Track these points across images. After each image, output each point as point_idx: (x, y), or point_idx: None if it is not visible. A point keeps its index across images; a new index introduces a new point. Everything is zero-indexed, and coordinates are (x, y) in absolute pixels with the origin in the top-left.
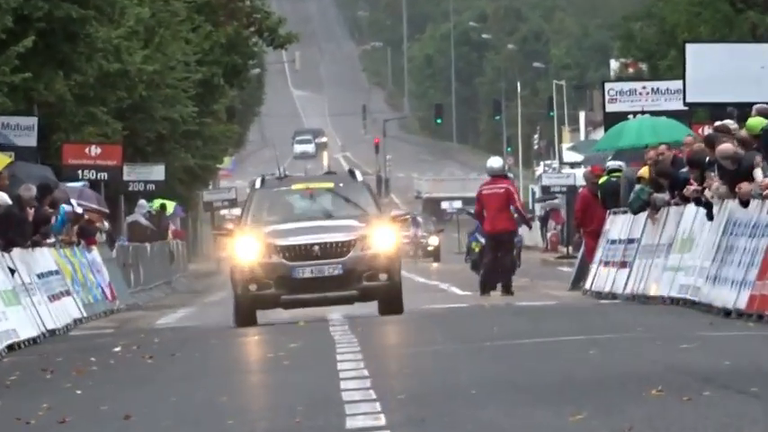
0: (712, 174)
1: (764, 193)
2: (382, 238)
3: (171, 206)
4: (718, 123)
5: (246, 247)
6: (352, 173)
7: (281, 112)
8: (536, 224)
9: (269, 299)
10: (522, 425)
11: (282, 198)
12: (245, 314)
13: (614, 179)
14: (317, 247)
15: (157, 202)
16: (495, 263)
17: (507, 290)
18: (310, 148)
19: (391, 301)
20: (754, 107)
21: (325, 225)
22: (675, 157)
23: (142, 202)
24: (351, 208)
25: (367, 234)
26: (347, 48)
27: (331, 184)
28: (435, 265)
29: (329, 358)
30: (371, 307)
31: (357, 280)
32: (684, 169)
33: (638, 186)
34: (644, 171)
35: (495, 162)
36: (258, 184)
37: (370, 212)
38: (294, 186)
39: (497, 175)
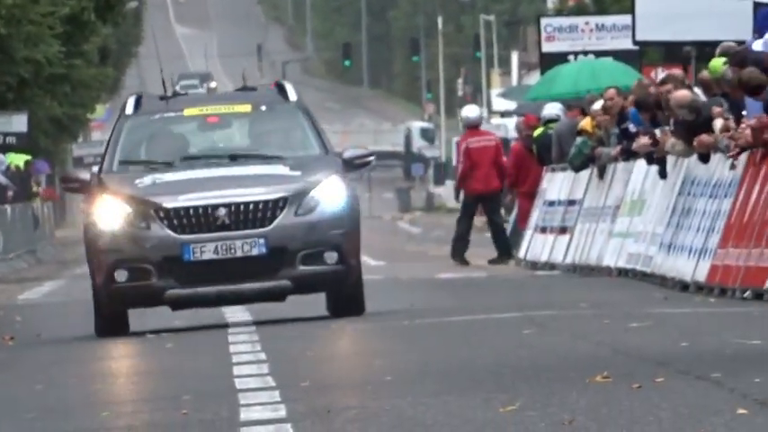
0: (666, 128)
1: (728, 144)
2: (331, 194)
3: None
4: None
5: (109, 211)
6: (281, 88)
7: (162, 52)
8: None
9: (147, 293)
10: (445, 417)
11: (169, 130)
12: (109, 317)
13: (551, 131)
14: (223, 211)
15: (19, 158)
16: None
17: (509, 254)
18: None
19: (347, 296)
20: (719, 46)
21: (238, 175)
22: (623, 108)
23: (0, 156)
24: (280, 146)
25: (306, 188)
26: None
27: (248, 108)
28: None
29: (220, 339)
30: (314, 303)
31: (290, 263)
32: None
33: (579, 139)
34: (585, 123)
35: (472, 111)
36: (130, 109)
37: (311, 153)
38: (188, 111)
39: (475, 126)
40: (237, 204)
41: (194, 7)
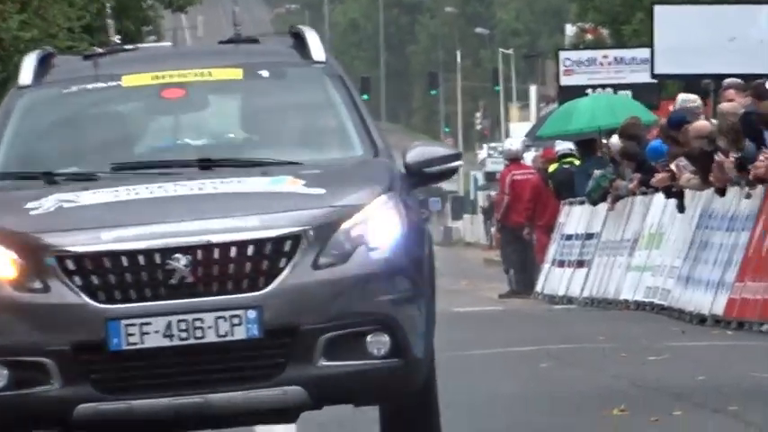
0: (681, 162)
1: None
2: (379, 229)
3: None
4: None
5: None
6: (298, 40)
7: None
8: (479, 217)
9: (43, 408)
10: None
11: (93, 114)
12: None
13: (566, 165)
14: (183, 260)
15: None
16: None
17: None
18: None
19: (408, 412)
20: (725, 81)
21: (212, 194)
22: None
23: None
24: (292, 143)
25: (334, 219)
26: (258, 11)
27: (237, 74)
28: None
29: None
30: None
31: (304, 355)
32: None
33: (597, 172)
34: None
35: (515, 143)
36: (28, 75)
37: (349, 154)
38: (129, 80)
39: (517, 159)
40: (208, 248)
41: (213, 41)
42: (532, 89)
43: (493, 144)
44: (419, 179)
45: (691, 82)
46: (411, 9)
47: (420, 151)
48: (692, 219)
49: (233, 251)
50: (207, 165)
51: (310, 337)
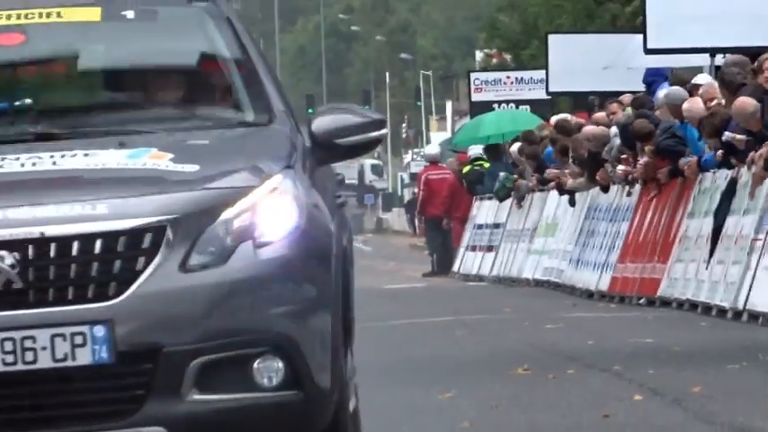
0: (566, 171)
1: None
2: (270, 219)
3: None
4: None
5: None
6: None
7: None
8: (403, 210)
9: None
10: (393, 403)
11: None
12: None
13: (477, 167)
14: (9, 259)
15: None
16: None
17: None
18: None
19: None
20: (621, 96)
21: (49, 173)
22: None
23: None
24: (160, 104)
25: (209, 205)
26: None
27: (94, 14)
28: None
29: None
30: None
31: (170, 385)
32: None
33: (502, 174)
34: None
35: (433, 149)
36: None
37: (236, 118)
38: None
39: (435, 162)
40: (41, 243)
41: None
42: (448, 104)
43: (416, 150)
44: (330, 153)
45: (578, 98)
46: (347, 38)
47: (331, 118)
48: (582, 211)
49: (74, 248)
50: (47, 134)
51: (178, 361)
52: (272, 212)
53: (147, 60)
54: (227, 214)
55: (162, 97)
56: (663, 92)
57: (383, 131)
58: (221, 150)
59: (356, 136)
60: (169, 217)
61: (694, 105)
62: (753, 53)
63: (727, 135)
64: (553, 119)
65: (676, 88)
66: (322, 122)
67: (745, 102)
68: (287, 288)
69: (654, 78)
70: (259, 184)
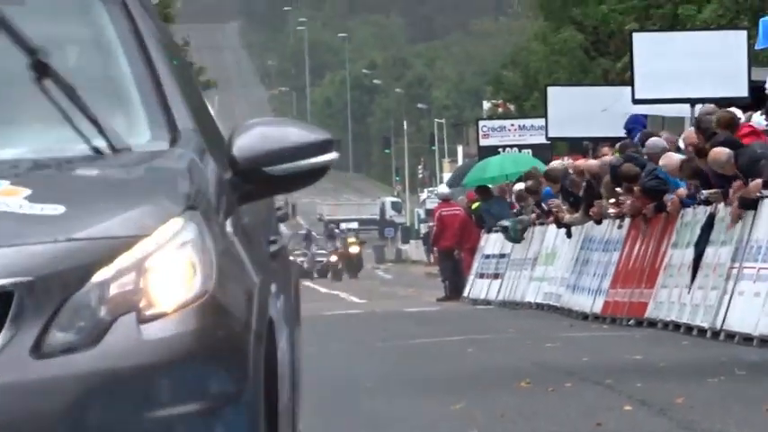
0: (564, 207)
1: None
2: (166, 282)
3: None
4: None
5: None
6: None
7: None
8: (420, 242)
9: None
10: (409, 413)
11: None
12: None
13: (485, 204)
14: None
15: None
16: None
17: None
18: None
19: None
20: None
21: None
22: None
23: None
24: (27, 118)
25: (72, 265)
26: (258, 92)
27: None
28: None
29: None
30: None
31: None
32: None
33: (509, 222)
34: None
35: (445, 188)
36: None
37: (126, 141)
38: None
39: (447, 199)
40: None
41: (225, 115)
42: (459, 148)
43: (431, 188)
44: (258, 186)
45: (574, 142)
46: (370, 90)
47: (258, 138)
48: (577, 242)
49: None
50: None
51: None
52: (165, 273)
53: (14, 60)
54: (101, 275)
55: (20, 108)
56: (646, 144)
57: (330, 157)
58: (98, 185)
59: (293, 162)
60: (18, 280)
61: (670, 161)
62: (724, 104)
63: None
64: (547, 166)
65: (655, 139)
66: (246, 143)
67: (719, 152)
68: (184, 380)
69: (633, 126)
70: (148, 232)
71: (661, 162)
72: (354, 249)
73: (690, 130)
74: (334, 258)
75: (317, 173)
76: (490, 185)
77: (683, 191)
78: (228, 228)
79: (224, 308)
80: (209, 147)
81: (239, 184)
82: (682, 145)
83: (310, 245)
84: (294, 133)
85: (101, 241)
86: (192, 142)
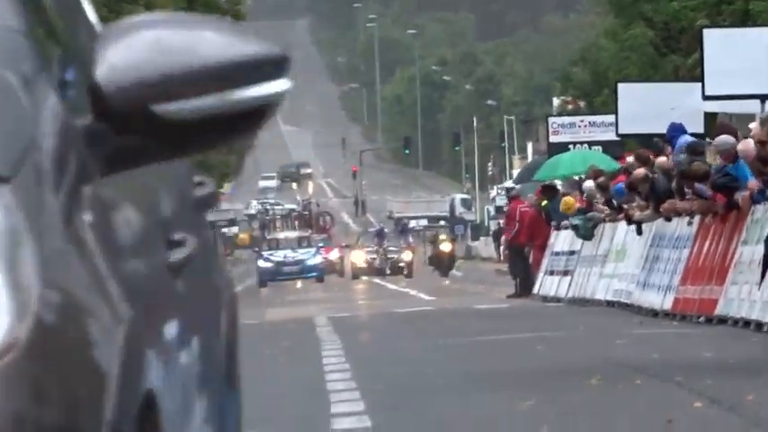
0: (633, 204)
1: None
2: None
3: None
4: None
5: None
6: None
7: (272, 144)
8: (490, 239)
9: None
10: (479, 410)
11: None
12: None
13: (551, 203)
14: None
15: None
16: None
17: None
18: (273, 183)
19: None
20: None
21: None
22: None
23: None
24: None
25: None
26: (328, 89)
27: None
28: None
29: (316, 355)
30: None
31: None
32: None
33: (578, 220)
34: (568, 202)
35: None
36: None
37: None
38: None
39: (517, 196)
40: None
41: (296, 111)
42: (529, 145)
43: (500, 185)
44: (142, 139)
45: (644, 139)
46: (440, 87)
47: (144, 46)
48: (648, 239)
49: None
50: None
51: None
52: None
53: None
54: None
55: None
56: (716, 141)
57: (278, 87)
58: None
59: (207, 95)
60: None
61: (747, 146)
62: None
63: None
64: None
65: (725, 137)
66: (120, 61)
67: None
68: None
69: (674, 134)
70: None
71: (740, 147)
72: (446, 247)
73: (756, 126)
74: (407, 255)
75: (252, 116)
76: (559, 182)
77: (754, 183)
78: (76, 218)
79: (47, 375)
80: (54, 64)
81: (106, 135)
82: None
83: (382, 242)
84: (210, 42)
85: None
86: (7, 50)
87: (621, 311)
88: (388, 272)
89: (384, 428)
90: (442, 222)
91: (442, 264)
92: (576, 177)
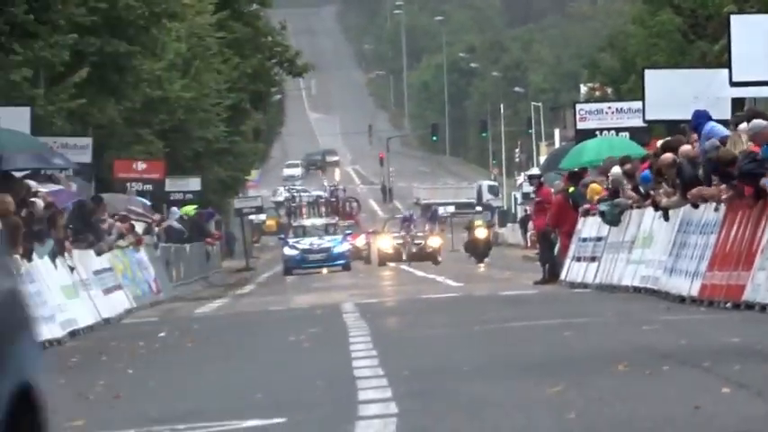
0: (660, 190)
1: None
2: None
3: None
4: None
5: None
6: None
7: (299, 131)
8: (517, 225)
9: None
10: (507, 396)
11: None
12: None
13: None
14: None
15: (189, 209)
16: None
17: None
18: (297, 171)
19: None
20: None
21: None
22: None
23: (174, 209)
24: None
25: None
26: (355, 76)
27: None
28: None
29: (343, 341)
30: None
31: None
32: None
33: (605, 206)
34: (595, 189)
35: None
36: None
37: None
38: None
39: (542, 184)
40: None
41: (323, 98)
42: (556, 132)
43: (528, 172)
44: None
45: (671, 125)
46: (467, 74)
47: None
48: (675, 225)
49: None
50: None
51: None
52: None
53: None
54: None
55: None
56: (749, 124)
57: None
58: None
59: None
60: None
61: None
62: None
63: None
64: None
65: (759, 121)
66: None
67: None
68: None
69: (699, 121)
70: None
71: None
72: (481, 233)
73: None
74: (434, 241)
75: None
76: (588, 168)
77: None
78: None
79: None
80: None
81: None
82: None
83: (410, 228)
84: None
85: None
86: None
87: (649, 297)
88: (415, 257)
89: (411, 414)
90: (479, 208)
91: (477, 250)
92: (602, 165)
